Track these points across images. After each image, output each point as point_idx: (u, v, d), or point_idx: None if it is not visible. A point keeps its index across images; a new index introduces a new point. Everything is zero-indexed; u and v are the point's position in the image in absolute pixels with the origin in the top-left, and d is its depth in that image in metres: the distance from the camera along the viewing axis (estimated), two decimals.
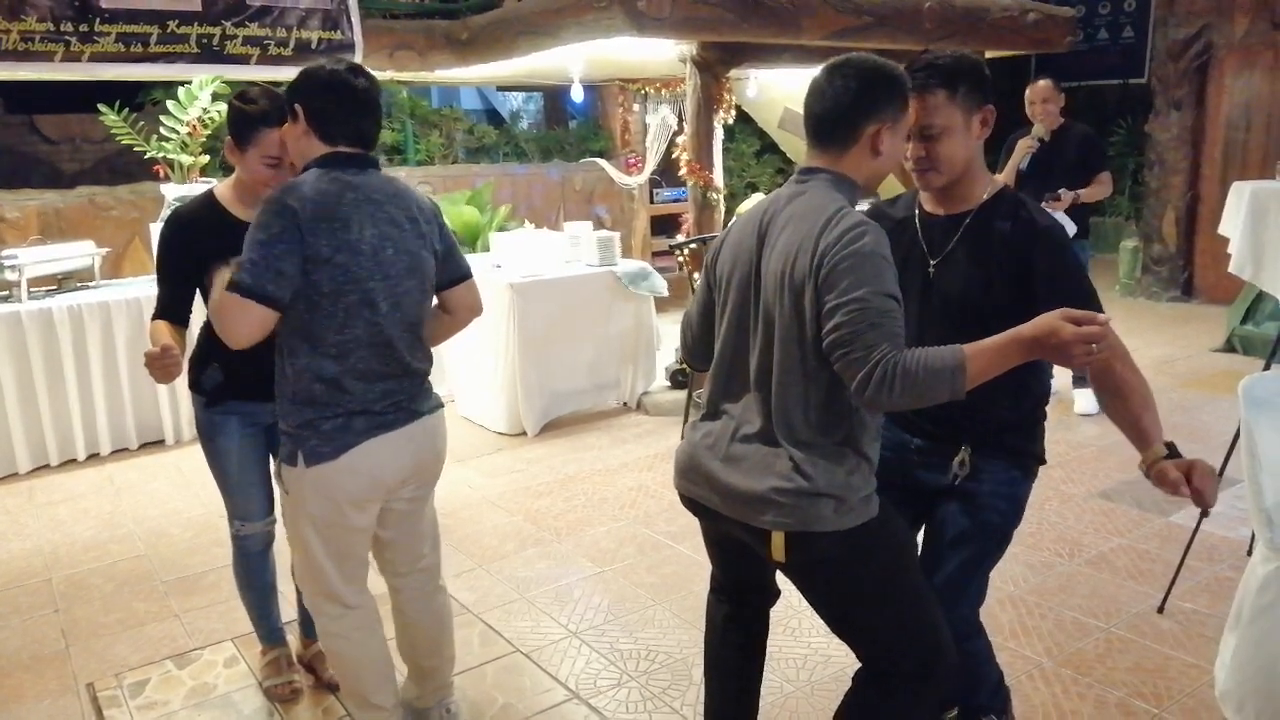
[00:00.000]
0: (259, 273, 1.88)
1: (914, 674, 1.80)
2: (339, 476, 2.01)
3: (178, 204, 5.08)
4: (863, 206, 1.82)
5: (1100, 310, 1.73)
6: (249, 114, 2.26)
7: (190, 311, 2.38)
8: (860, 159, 1.75)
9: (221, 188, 2.41)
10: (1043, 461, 2.04)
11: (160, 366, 2.13)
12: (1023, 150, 4.77)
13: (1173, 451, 1.77)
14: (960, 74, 1.83)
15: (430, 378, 2.23)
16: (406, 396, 2.11)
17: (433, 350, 2.26)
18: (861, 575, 1.76)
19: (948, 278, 1.91)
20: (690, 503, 1.90)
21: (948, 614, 1.92)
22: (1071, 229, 4.79)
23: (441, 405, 2.25)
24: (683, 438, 4.25)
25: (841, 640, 1.88)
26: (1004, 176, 5.00)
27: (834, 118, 1.74)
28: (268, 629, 2.73)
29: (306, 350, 1.99)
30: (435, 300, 2.24)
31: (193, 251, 2.31)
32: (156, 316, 2.35)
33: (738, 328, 1.81)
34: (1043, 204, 4.74)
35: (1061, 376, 5.34)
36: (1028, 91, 4.95)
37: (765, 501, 1.69)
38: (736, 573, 2.04)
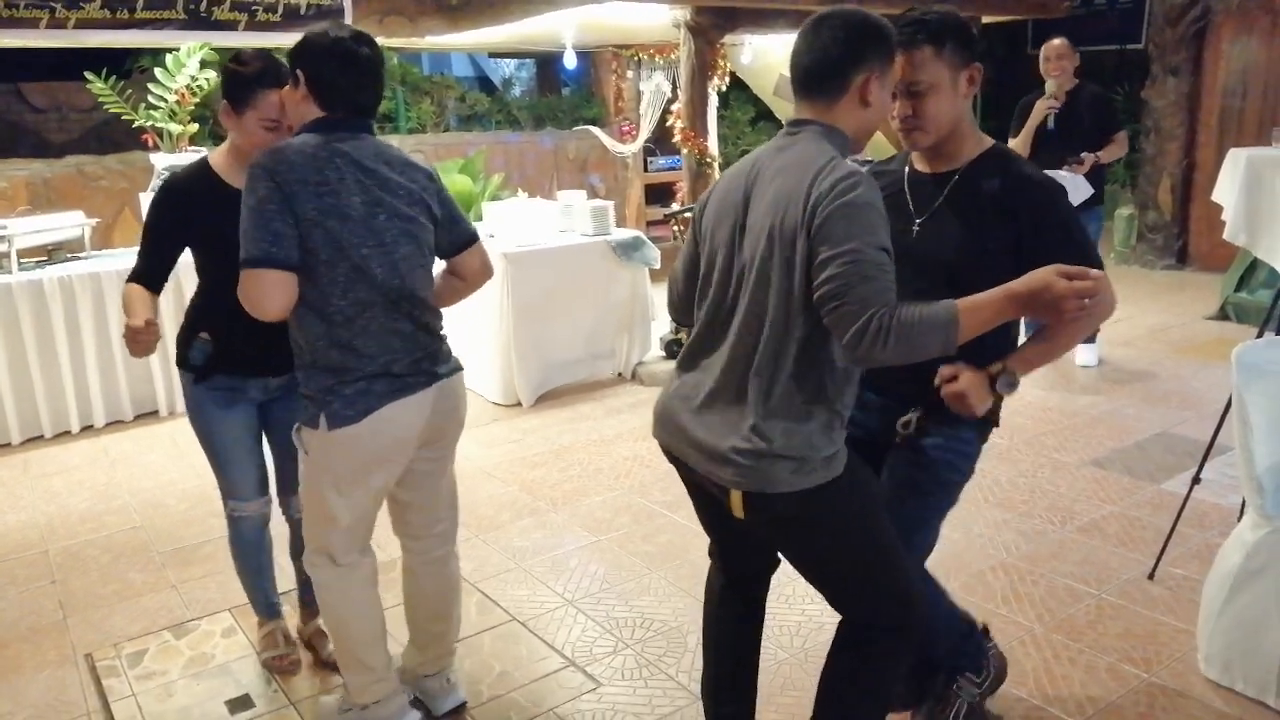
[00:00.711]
0: (258, 239, 1.89)
1: (885, 626, 1.85)
2: (362, 439, 2.03)
3: (167, 173, 5.06)
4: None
5: (1100, 264, 1.74)
6: (245, 75, 2.23)
7: (166, 280, 2.37)
8: (850, 110, 1.74)
9: (215, 156, 2.37)
10: (996, 424, 2.01)
11: (142, 340, 2.15)
12: (1041, 111, 4.76)
13: (1002, 370, 1.81)
14: (947, 30, 1.82)
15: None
16: (426, 358, 2.11)
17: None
18: (824, 532, 1.77)
19: (932, 235, 1.90)
20: (666, 452, 1.92)
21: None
22: (1088, 191, 4.81)
23: (460, 368, 2.25)
24: None
25: (818, 591, 1.91)
26: (1021, 139, 5.02)
27: (822, 68, 1.73)
28: (264, 603, 2.74)
29: (315, 319, 1.99)
30: (443, 266, 2.25)
31: (185, 219, 2.30)
32: (132, 279, 2.33)
33: (722, 281, 1.79)
34: (1064, 168, 4.75)
35: None
36: (1042, 49, 4.94)
37: (725, 459, 1.71)
38: (715, 524, 2.02)
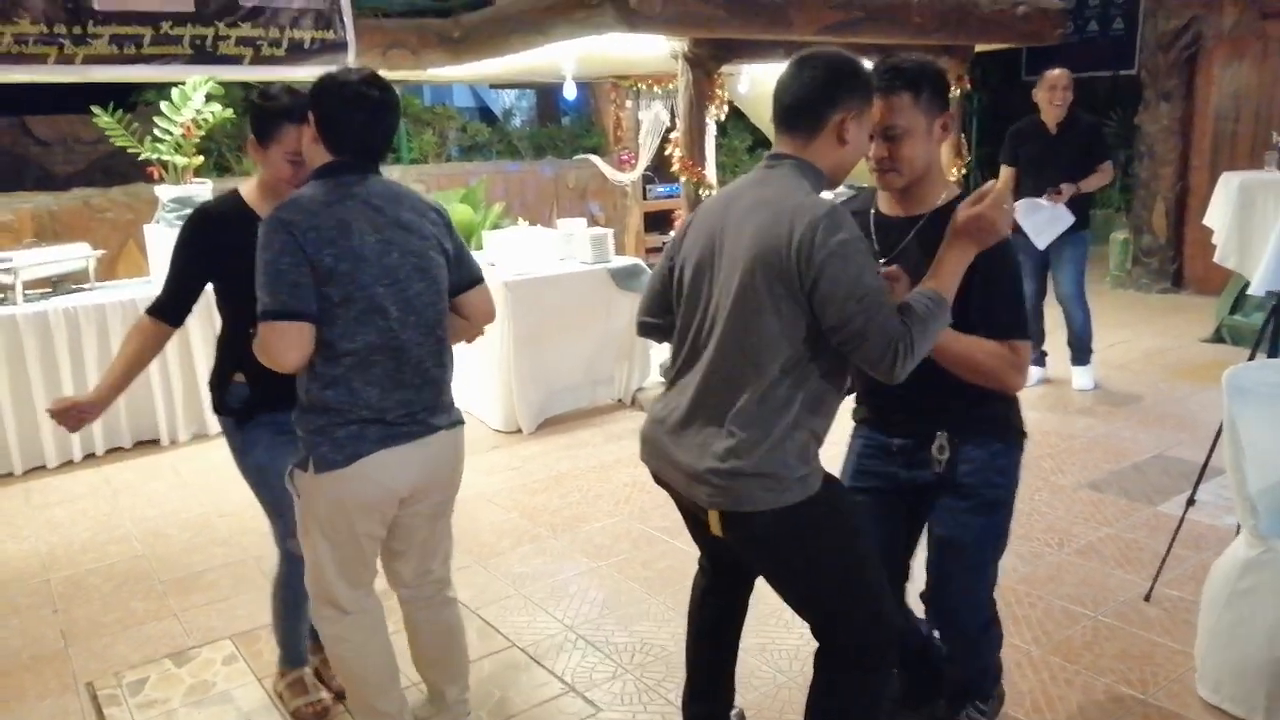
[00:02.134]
0: (276, 291, 1.90)
1: (856, 645, 1.89)
2: (349, 484, 2.01)
3: (174, 205, 5.13)
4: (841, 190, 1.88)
5: (1024, 321, 1.96)
6: (271, 110, 2.26)
7: (188, 313, 2.36)
8: (826, 147, 1.82)
9: (246, 187, 2.39)
10: (1024, 434, 2.10)
11: (69, 419, 2.30)
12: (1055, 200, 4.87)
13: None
14: (924, 79, 1.90)
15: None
16: (424, 409, 2.08)
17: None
18: (798, 550, 1.82)
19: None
20: (654, 475, 1.98)
21: (964, 602, 2.05)
22: (1069, 220, 4.87)
23: (461, 422, 2.21)
24: None
25: (796, 613, 1.96)
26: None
27: (801, 106, 1.81)
28: (296, 651, 2.66)
29: (321, 360, 1.99)
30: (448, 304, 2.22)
31: (214, 248, 2.30)
32: (152, 311, 2.34)
33: (700, 308, 1.86)
34: (1044, 198, 4.81)
35: (1060, 362, 5.39)
36: (1045, 78, 5.01)
37: (702, 480, 1.78)
38: (704, 541, 2.09)
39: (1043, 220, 4.90)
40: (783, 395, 1.75)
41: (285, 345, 1.91)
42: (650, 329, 2.10)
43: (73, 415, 2.31)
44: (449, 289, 2.18)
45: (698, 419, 1.82)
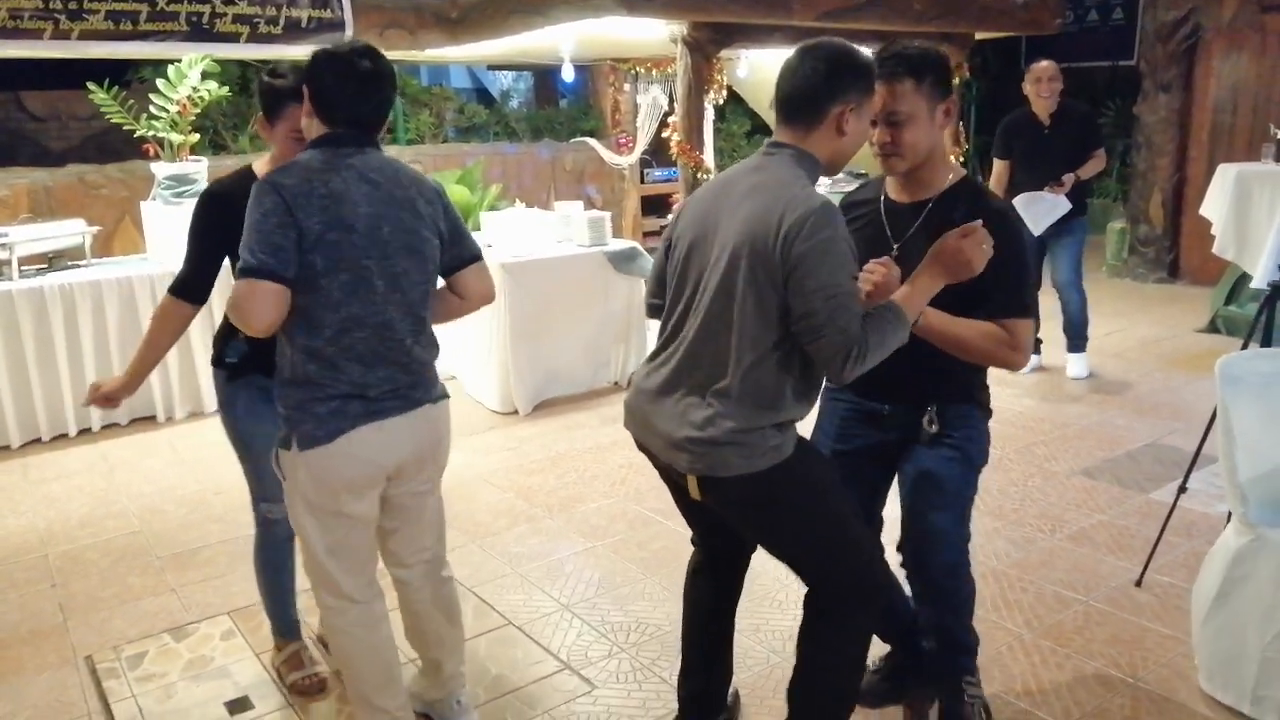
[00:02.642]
0: (256, 250, 1.89)
1: (843, 595, 1.97)
2: (333, 461, 1.99)
3: (170, 182, 5.12)
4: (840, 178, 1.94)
5: (1035, 301, 2.07)
6: (277, 89, 2.28)
7: (209, 290, 2.38)
8: (826, 138, 1.87)
9: (259, 164, 2.41)
10: (989, 410, 2.22)
11: (100, 404, 2.38)
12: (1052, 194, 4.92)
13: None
14: (926, 65, 1.95)
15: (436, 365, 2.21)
16: (406, 384, 2.07)
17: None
18: (774, 511, 1.91)
19: (910, 262, 1.98)
20: (637, 443, 2.05)
21: (946, 552, 2.11)
22: (1066, 207, 4.90)
23: (445, 396, 2.21)
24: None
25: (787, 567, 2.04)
26: (999, 167, 5.10)
27: (802, 97, 1.85)
28: (285, 622, 2.68)
29: (303, 330, 1.97)
30: (443, 283, 2.22)
31: (229, 224, 2.28)
32: (174, 291, 2.35)
33: (688, 287, 1.93)
34: (1045, 190, 4.84)
35: (1055, 350, 5.42)
36: (1031, 70, 5.02)
37: (680, 447, 1.86)
38: (689, 508, 2.14)
39: (1041, 210, 4.93)
40: (763, 378, 1.81)
41: (256, 304, 1.89)
42: (657, 310, 2.14)
43: (100, 400, 2.39)
44: (445, 267, 2.18)
45: (679, 389, 1.90)
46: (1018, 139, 5.08)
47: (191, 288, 2.35)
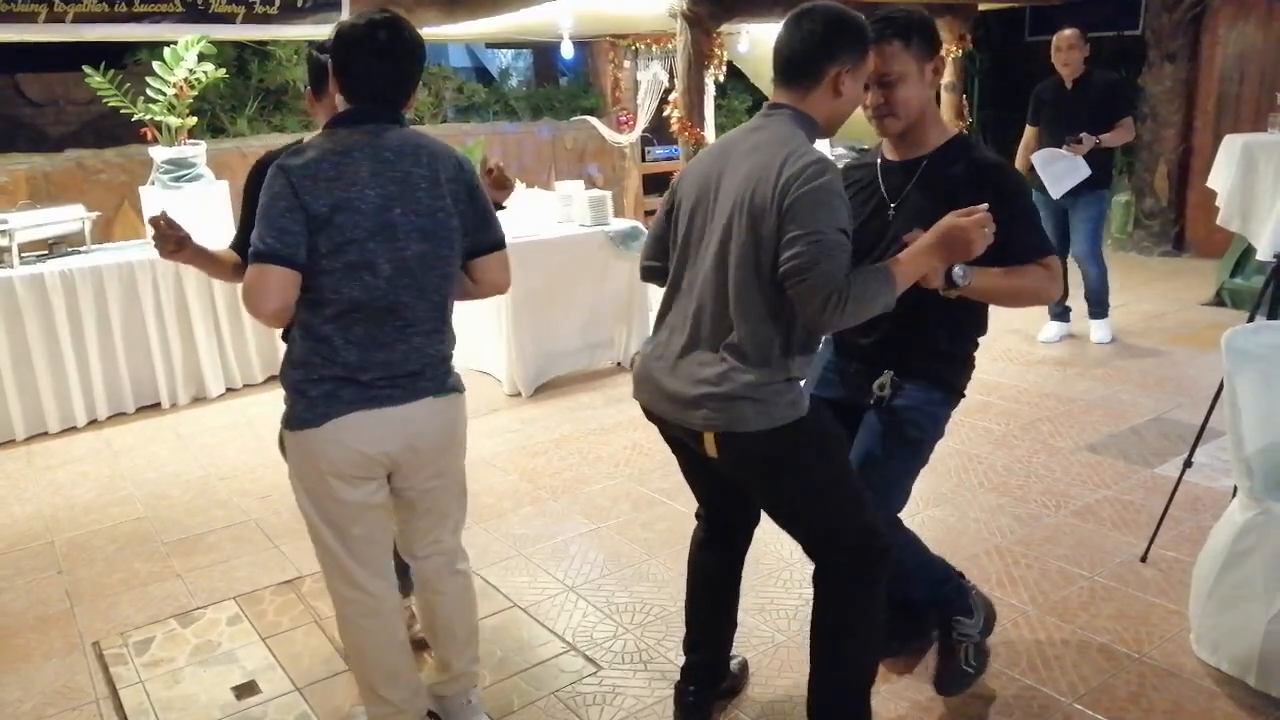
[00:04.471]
0: (264, 234, 1.86)
1: (851, 557, 1.99)
2: (320, 445, 1.95)
3: (169, 166, 5.09)
4: (840, 152, 1.97)
5: (1049, 244, 2.10)
6: (322, 63, 2.26)
7: None
8: (823, 99, 1.91)
9: (311, 138, 2.38)
10: (962, 395, 2.24)
11: (168, 241, 2.21)
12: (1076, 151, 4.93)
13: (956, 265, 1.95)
14: (912, 26, 2.02)
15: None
16: (408, 372, 2.00)
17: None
18: (790, 470, 1.92)
19: (906, 217, 2.06)
20: (646, 411, 2.08)
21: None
22: (1085, 172, 4.89)
23: (457, 390, 2.13)
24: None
25: (786, 532, 2.05)
26: (1029, 133, 5.14)
27: (799, 59, 1.90)
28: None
29: (305, 310, 1.94)
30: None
31: None
32: (233, 246, 2.38)
33: (692, 247, 1.97)
34: (1063, 146, 4.84)
35: (1078, 318, 5.40)
36: (1054, 40, 5.07)
37: (696, 404, 1.89)
38: (697, 475, 2.20)
39: (1060, 170, 4.96)
40: (770, 331, 1.85)
41: (263, 289, 1.86)
42: (653, 272, 2.18)
43: (172, 238, 2.23)
44: (465, 251, 2.08)
45: (693, 348, 1.93)
46: (1044, 104, 5.15)
47: (242, 250, 2.28)
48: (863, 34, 1.90)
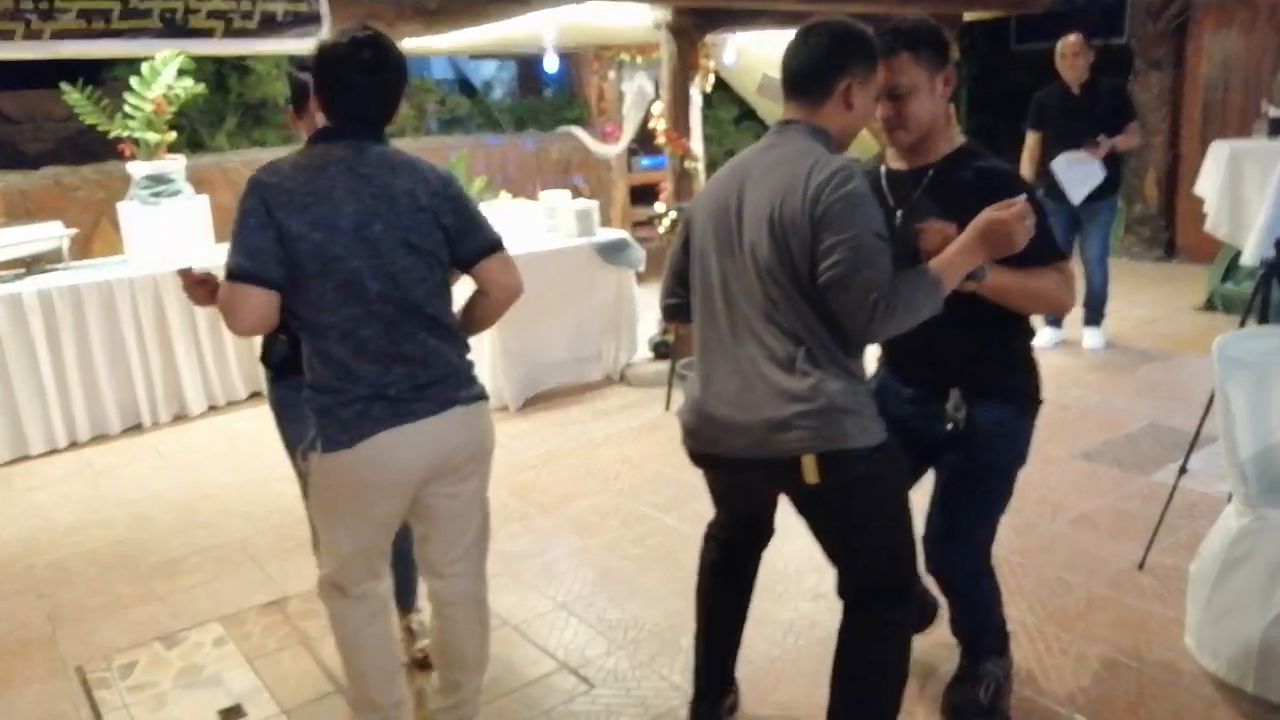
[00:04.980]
0: (236, 252, 1.85)
1: (893, 587, 1.95)
2: (357, 466, 1.93)
3: (147, 182, 5.03)
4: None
5: (1061, 250, 2.05)
6: (303, 81, 2.26)
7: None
8: (834, 112, 1.89)
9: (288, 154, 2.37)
10: (1039, 401, 2.16)
11: (200, 293, 2.17)
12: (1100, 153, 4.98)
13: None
14: (921, 37, 1.98)
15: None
16: (430, 380, 1.97)
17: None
18: (878, 493, 1.89)
19: (912, 226, 2.01)
20: (705, 458, 2.01)
21: (958, 553, 2.15)
22: (1101, 176, 4.95)
23: (482, 396, 2.10)
24: (667, 408, 4.29)
25: (835, 562, 1.98)
26: (1031, 139, 5.16)
27: (809, 73, 1.88)
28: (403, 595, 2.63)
29: (310, 335, 1.94)
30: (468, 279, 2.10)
31: None
32: None
33: (725, 273, 1.91)
34: (1082, 149, 4.85)
35: (1073, 322, 5.41)
36: (1059, 46, 5.09)
37: (785, 426, 1.79)
38: (743, 518, 2.19)
39: (1079, 175, 4.99)
40: (829, 338, 1.81)
41: (235, 307, 1.86)
42: (677, 310, 2.12)
43: (203, 290, 2.17)
44: (462, 261, 2.05)
45: (763, 379, 1.83)
46: (1050, 110, 5.15)
47: None
48: (871, 46, 1.88)
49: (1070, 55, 5.02)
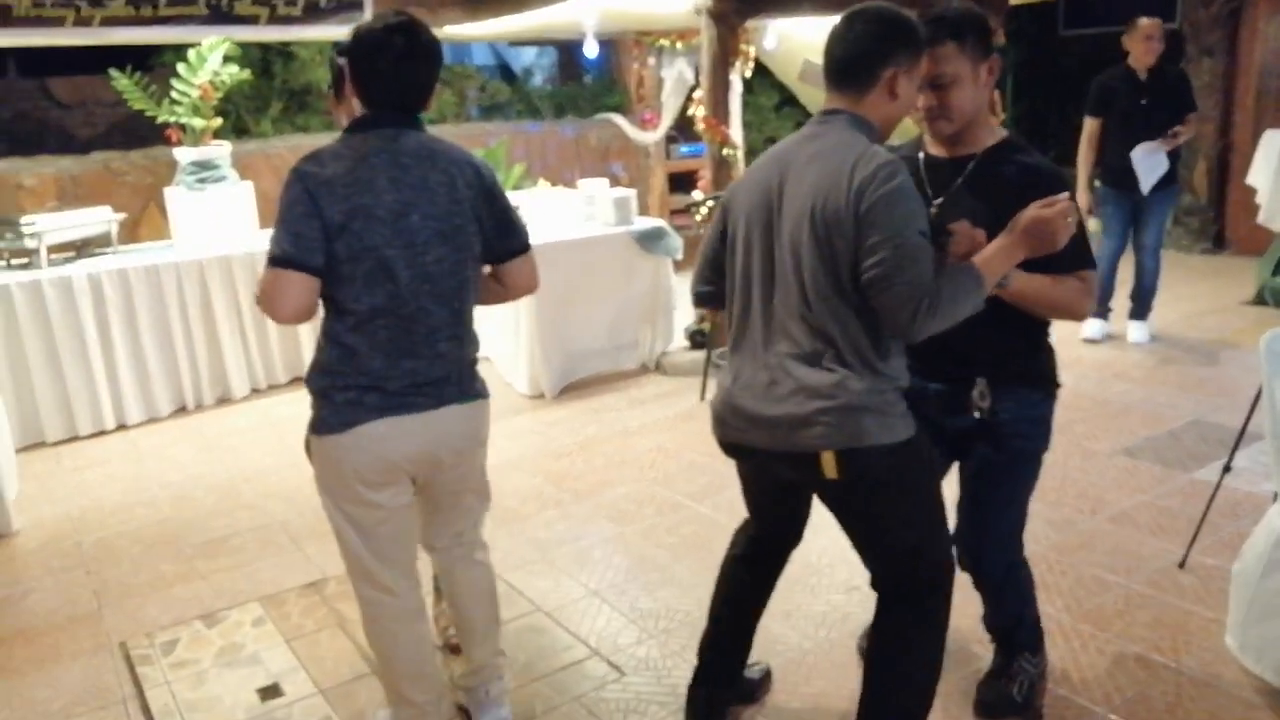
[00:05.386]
0: (279, 239, 1.87)
1: (926, 590, 1.95)
2: (344, 451, 1.96)
3: (194, 168, 5.11)
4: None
5: (1091, 258, 2.03)
6: (342, 66, 2.21)
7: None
8: (878, 102, 1.86)
9: (329, 143, 2.38)
10: (1058, 384, 2.14)
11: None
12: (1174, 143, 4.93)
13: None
14: (966, 26, 1.96)
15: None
16: (432, 381, 2.00)
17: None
18: (902, 490, 1.87)
19: (951, 215, 1.97)
20: (732, 448, 2.01)
21: (992, 543, 2.15)
22: (1166, 165, 4.90)
23: (482, 396, 2.12)
24: (702, 398, 4.29)
25: (863, 557, 1.99)
26: (1090, 125, 5.08)
27: (853, 61, 1.85)
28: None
29: (330, 317, 1.96)
30: (488, 269, 2.14)
31: None
32: None
33: (757, 266, 1.90)
34: (1158, 141, 4.83)
35: (1118, 315, 5.37)
36: (1139, 27, 4.96)
37: (808, 422, 1.80)
38: (772, 514, 2.19)
39: (1152, 164, 4.92)
40: (863, 337, 1.80)
41: (278, 294, 1.87)
42: (710, 297, 2.12)
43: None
44: (490, 256, 2.09)
45: (790, 369, 1.84)
46: (1116, 97, 5.04)
47: None
48: (916, 34, 1.84)
49: (1145, 39, 4.89)
